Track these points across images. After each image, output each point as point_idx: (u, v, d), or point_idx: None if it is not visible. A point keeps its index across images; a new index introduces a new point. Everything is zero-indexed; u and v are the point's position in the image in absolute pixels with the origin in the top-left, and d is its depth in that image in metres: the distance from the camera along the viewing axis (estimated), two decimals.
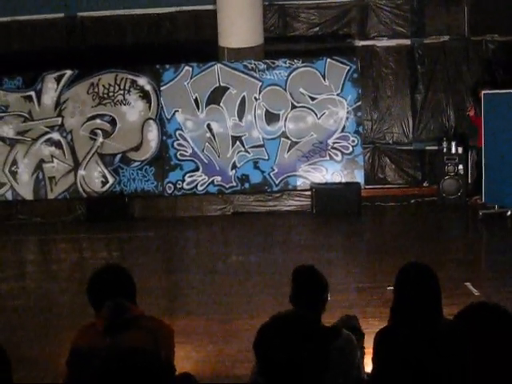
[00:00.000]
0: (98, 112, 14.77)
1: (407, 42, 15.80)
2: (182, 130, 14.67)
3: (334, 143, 14.49)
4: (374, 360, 4.24)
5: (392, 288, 4.36)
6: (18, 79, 14.87)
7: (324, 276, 4.66)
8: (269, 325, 2.85)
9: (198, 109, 14.60)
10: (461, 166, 14.52)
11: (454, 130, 15.51)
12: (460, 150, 14.58)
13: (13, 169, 14.97)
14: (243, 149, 14.60)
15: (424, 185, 15.57)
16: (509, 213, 13.07)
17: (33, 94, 14.84)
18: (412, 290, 4.17)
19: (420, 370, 3.92)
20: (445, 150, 14.61)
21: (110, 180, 14.87)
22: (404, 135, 15.81)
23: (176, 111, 14.65)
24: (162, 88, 14.66)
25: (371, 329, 6.22)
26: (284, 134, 14.57)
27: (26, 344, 7.15)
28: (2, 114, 14.91)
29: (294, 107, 14.50)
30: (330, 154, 14.52)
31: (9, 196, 15.04)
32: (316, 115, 14.46)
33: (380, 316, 6.66)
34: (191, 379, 4.40)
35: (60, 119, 14.81)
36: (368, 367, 4.65)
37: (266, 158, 14.59)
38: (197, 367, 4.96)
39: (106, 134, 14.79)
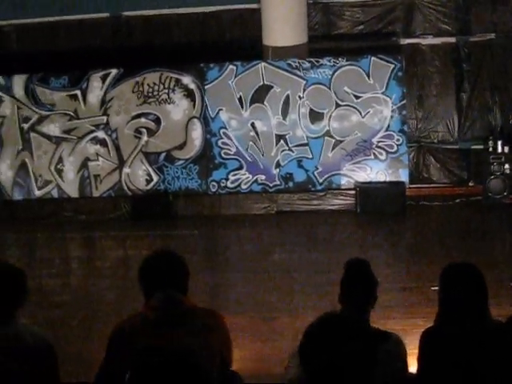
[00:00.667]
0: (143, 111, 14.86)
1: (452, 40, 15.66)
2: (226, 128, 14.70)
3: (378, 142, 14.41)
4: (419, 360, 4.21)
5: (436, 288, 4.32)
6: (64, 78, 15.02)
7: (373, 273, 4.59)
8: (314, 327, 2.83)
9: (242, 107, 14.62)
10: (507, 166, 14.36)
11: (500, 129, 15.33)
12: (506, 149, 14.42)
13: (58, 167, 15.12)
14: (287, 147, 14.59)
15: (469, 184, 15.42)
16: None
17: (78, 92, 14.97)
18: (458, 289, 4.13)
19: (466, 371, 3.88)
20: (490, 149, 14.47)
21: (155, 178, 14.95)
22: (449, 134, 15.67)
23: (220, 110, 14.68)
24: (206, 87, 14.70)
25: (416, 329, 6.18)
26: (328, 133, 14.52)
27: (71, 340, 7.21)
28: (48, 113, 15.07)
29: (338, 106, 14.45)
30: (374, 153, 14.45)
31: (54, 194, 15.19)
32: (360, 114, 14.40)
33: (425, 316, 6.60)
34: (237, 378, 4.40)
35: (105, 118, 14.93)
36: (411, 367, 4.62)
37: (310, 156, 14.56)
38: (240, 365, 4.95)
39: (151, 133, 14.87)
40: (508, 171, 14.37)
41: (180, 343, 3.90)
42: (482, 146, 15.11)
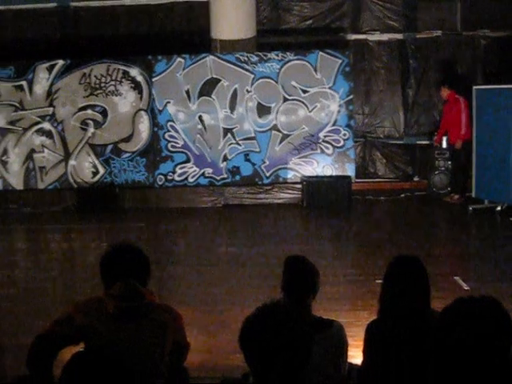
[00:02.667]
0: (90, 102, 14.74)
1: (400, 36, 15.85)
2: (173, 121, 14.66)
3: (325, 136, 14.50)
4: (364, 352, 4.28)
5: (381, 281, 4.39)
6: (10, 68, 14.82)
7: (314, 266, 4.68)
8: (253, 316, 2.88)
9: (190, 100, 14.59)
10: (451, 161, 14.55)
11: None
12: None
13: (3, 158, 14.94)
14: (234, 141, 14.60)
15: (414, 179, 15.62)
16: (498, 208, 13.13)
17: (24, 83, 14.79)
18: (400, 282, 4.21)
19: (409, 362, 3.95)
20: (435, 144, 14.65)
21: (101, 171, 14.85)
22: (395, 129, 15.86)
23: (168, 102, 14.63)
24: (153, 79, 14.64)
25: (361, 321, 6.27)
26: (275, 127, 14.57)
27: (14, 332, 7.15)
28: None
29: (285, 100, 14.49)
30: (321, 148, 14.53)
31: None
32: (308, 108, 14.46)
33: (370, 309, 6.69)
34: (183, 370, 4.43)
35: (51, 109, 14.78)
36: (356, 359, 4.69)
37: (257, 150, 14.59)
38: (187, 358, 4.98)
39: (98, 125, 14.76)
40: (451, 167, 14.56)
41: (134, 338, 3.95)
42: (427, 142, 15.32)
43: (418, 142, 15.62)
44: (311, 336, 2.89)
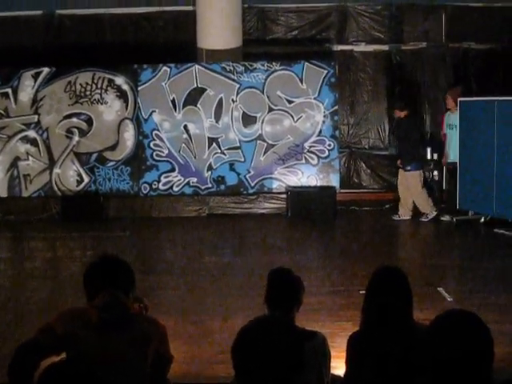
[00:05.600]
0: (75, 110, 14.71)
1: (385, 47, 15.91)
2: (158, 130, 14.65)
3: (310, 147, 14.52)
4: (346, 363, 4.28)
5: (364, 292, 4.40)
6: None
7: (299, 279, 4.69)
8: (245, 330, 2.90)
9: (175, 109, 14.59)
10: (435, 173, 14.60)
11: (429, 136, 15.60)
12: (435, 156, 14.64)
13: None
14: (219, 150, 14.60)
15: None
16: (482, 219, 13.18)
17: (9, 90, 14.74)
18: (382, 293, 4.22)
19: (390, 373, 3.96)
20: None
21: (86, 179, 14.81)
22: (380, 140, 15.90)
23: (153, 111, 14.62)
24: (139, 88, 14.63)
25: (344, 332, 6.27)
26: (260, 137, 14.58)
27: None
28: None
29: (270, 110, 14.52)
30: (306, 158, 14.55)
31: None
32: (293, 118, 14.49)
33: (353, 319, 6.69)
34: (165, 382, 4.41)
35: (36, 117, 14.74)
36: (339, 370, 4.69)
37: (242, 160, 14.60)
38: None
39: (82, 133, 14.72)
40: (436, 178, 14.61)
41: (117, 349, 3.94)
42: None
43: None
44: (302, 346, 2.92)
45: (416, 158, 14.01)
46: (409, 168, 13.90)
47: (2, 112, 14.77)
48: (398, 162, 14.20)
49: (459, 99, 13.56)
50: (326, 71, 14.50)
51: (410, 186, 13.93)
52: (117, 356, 3.94)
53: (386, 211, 14.81)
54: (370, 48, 15.91)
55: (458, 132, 13.46)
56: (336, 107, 14.57)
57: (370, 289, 4.31)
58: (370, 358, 4.10)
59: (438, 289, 8.88)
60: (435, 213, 13.86)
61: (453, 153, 13.85)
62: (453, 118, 13.83)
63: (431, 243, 12.80)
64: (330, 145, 14.51)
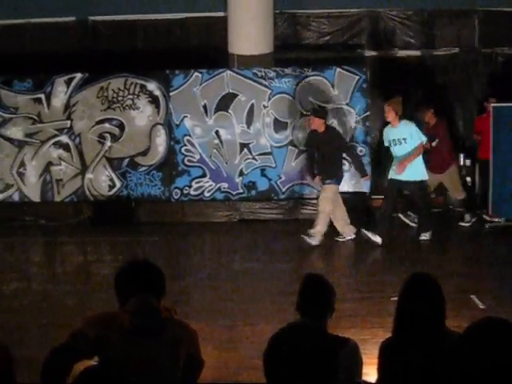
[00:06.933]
0: (107, 116, 14.79)
1: (417, 53, 15.82)
2: (190, 135, 14.68)
3: None
4: (378, 370, 4.25)
5: (395, 298, 4.36)
6: (28, 81, 14.89)
7: (332, 285, 4.66)
8: (278, 336, 2.88)
9: (207, 115, 14.61)
10: (468, 179, 14.50)
11: (462, 142, 15.48)
12: (468, 162, 14.54)
13: (20, 170, 14.99)
14: (251, 156, 14.60)
15: (431, 196, 15.52)
16: None
17: (42, 96, 14.86)
18: (415, 300, 4.17)
19: (421, 381, 3.92)
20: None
21: (117, 184, 14.88)
22: None
23: (185, 117, 14.66)
24: (171, 93, 14.68)
25: (376, 339, 6.23)
26: (292, 143, 14.56)
27: (27, 344, 7.16)
28: (12, 116, 14.93)
29: (302, 115, 14.49)
30: None
31: (16, 197, 15.05)
32: None
33: (384, 326, 6.66)
34: None
35: (69, 122, 14.84)
36: (371, 377, 4.66)
37: (274, 165, 14.58)
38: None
39: (115, 138, 14.80)
40: (470, 184, 14.50)
41: (148, 354, 3.96)
42: None
43: None
44: (336, 354, 2.90)
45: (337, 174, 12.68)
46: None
47: (35, 117, 14.88)
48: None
49: (492, 104, 13.43)
50: (357, 77, 14.46)
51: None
52: (149, 361, 3.95)
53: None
54: (402, 53, 15.84)
55: (492, 138, 13.27)
56: (368, 113, 14.52)
57: (402, 295, 4.28)
58: (401, 366, 4.06)
59: (471, 296, 8.80)
60: (353, 235, 12.54)
61: (406, 170, 12.14)
62: (395, 133, 12.27)
63: (463, 249, 12.67)
64: (361, 150, 14.44)
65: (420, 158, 12.27)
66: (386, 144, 12.61)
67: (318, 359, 2.78)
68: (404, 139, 12.14)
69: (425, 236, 12.40)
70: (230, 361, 6.80)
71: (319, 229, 12.19)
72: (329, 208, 12.31)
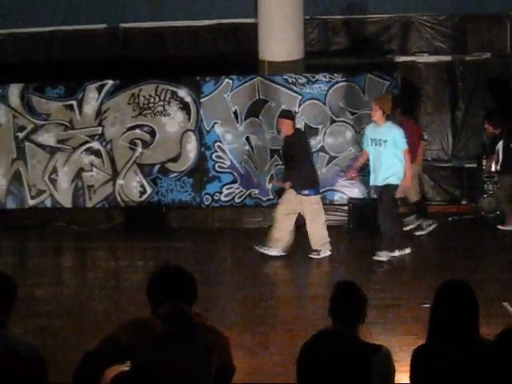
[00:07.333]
0: (138, 122, 14.87)
1: (448, 58, 15.75)
2: (220, 141, 14.72)
3: None
4: (411, 378, 4.22)
5: (427, 306, 4.34)
6: (60, 88, 15.01)
7: (363, 292, 4.64)
8: (310, 342, 2.88)
9: (237, 121, 14.64)
10: (499, 185, 14.39)
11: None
12: (499, 168, 14.45)
13: (52, 176, 15.10)
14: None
15: (462, 203, 15.45)
16: None
17: (74, 102, 14.97)
18: (449, 307, 4.15)
19: None
20: (484, 167, 14.50)
21: (148, 190, 14.94)
22: (443, 152, 15.73)
23: (215, 123, 14.70)
24: (201, 100, 14.72)
25: (407, 346, 6.20)
26: (322, 149, 14.54)
27: (60, 349, 7.21)
28: (44, 122, 15.06)
29: (333, 122, 14.47)
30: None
31: (48, 203, 15.17)
32: (355, 130, 14.41)
33: (415, 333, 6.63)
34: None
35: (100, 128, 14.93)
36: None
37: None
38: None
39: (146, 145, 14.87)
40: None
41: (180, 359, 3.96)
42: (475, 165, 15.15)
43: (466, 165, 15.43)
44: (369, 360, 2.89)
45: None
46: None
47: (67, 124, 15.00)
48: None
49: None
50: (388, 82, 14.41)
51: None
52: (180, 367, 3.96)
53: (450, 224, 14.60)
54: (433, 59, 15.78)
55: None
56: None
57: (435, 302, 4.25)
58: (434, 373, 4.04)
59: (503, 303, 8.73)
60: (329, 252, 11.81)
61: (381, 174, 11.38)
62: (378, 132, 11.36)
63: (495, 256, 12.56)
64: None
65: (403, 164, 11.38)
66: (364, 143, 11.80)
67: (351, 366, 2.77)
68: (385, 141, 11.20)
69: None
70: (262, 367, 6.79)
71: (323, 238, 11.86)
72: (321, 217, 11.97)
